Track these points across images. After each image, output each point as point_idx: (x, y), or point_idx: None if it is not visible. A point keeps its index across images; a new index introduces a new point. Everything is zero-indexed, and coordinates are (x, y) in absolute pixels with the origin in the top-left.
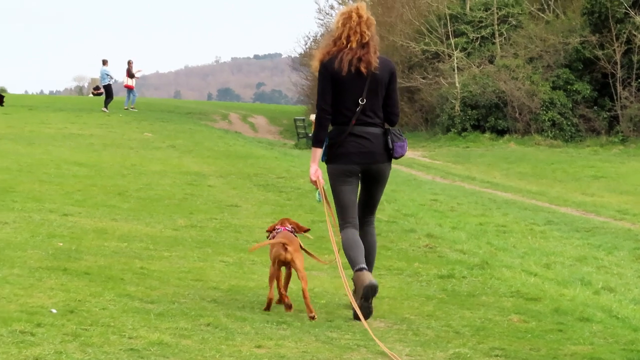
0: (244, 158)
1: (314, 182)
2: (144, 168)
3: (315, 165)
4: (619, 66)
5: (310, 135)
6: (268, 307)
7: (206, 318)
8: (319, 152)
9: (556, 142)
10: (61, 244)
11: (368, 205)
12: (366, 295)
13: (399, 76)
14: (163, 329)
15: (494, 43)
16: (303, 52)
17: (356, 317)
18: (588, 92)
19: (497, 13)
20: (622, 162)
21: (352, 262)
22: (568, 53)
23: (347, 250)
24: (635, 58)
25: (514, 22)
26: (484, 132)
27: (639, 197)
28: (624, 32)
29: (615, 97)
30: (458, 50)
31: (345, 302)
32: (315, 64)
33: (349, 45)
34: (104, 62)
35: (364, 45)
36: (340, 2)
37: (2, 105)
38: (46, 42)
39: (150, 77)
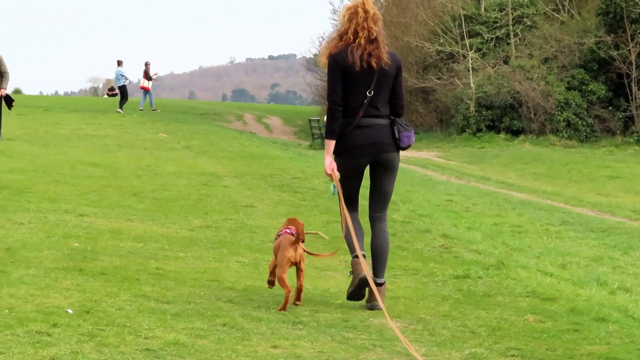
0: (259, 159)
1: (329, 175)
2: (159, 169)
3: (329, 158)
4: (634, 66)
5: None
6: (284, 307)
7: (222, 318)
8: (332, 144)
9: (571, 143)
10: (77, 245)
11: (379, 197)
12: (359, 286)
13: (413, 77)
14: (179, 329)
15: (508, 43)
16: (317, 53)
17: (350, 298)
18: (603, 92)
19: (512, 13)
20: (638, 163)
21: (351, 247)
22: (583, 53)
23: (347, 233)
24: None
25: (528, 23)
26: (498, 132)
27: None
28: (639, 33)
29: (630, 98)
30: (473, 50)
31: (361, 302)
32: (323, 59)
33: (357, 41)
34: (119, 63)
35: (372, 41)
36: None
37: (11, 109)
38: (61, 43)
39: (165, 78)
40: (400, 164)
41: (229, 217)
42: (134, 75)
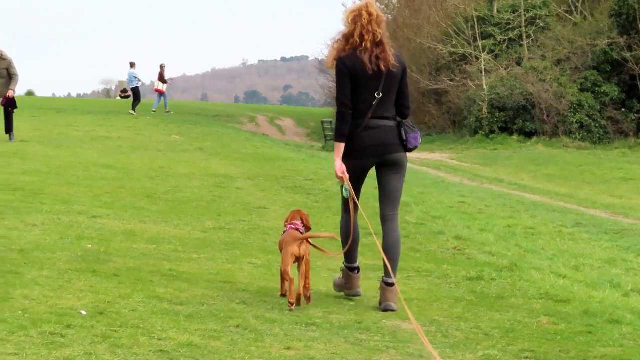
0: (272, 160)
1: (340, 178)
2: (172, 170)
3: (339, 160)
4: None
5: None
6: (298, 302)
7: (235, 320)
8: (342, 146)
9: (584, 144)
10: (90, 246)
11: (388, 198)
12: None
13: (426, 78)
14: (192, 331)
15: (521, 45)
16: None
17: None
18: (616, 94)
19: (525, 15)
20: None
21: (348, 258)
22: (596, 55)
23: (345, 237)
24: None
25: (541, 24)
26: (511, 134)
27: None
28: None
29: None
30: (485, 52)
31: (374, 304)
32: (331, 61)
33: (363, 45)
34: (132, 65)
35: (377, 44)
36: None
37: (14, 110)
38: (74, 45)
39: (178, 80)
40: (413, 166)
41: (242, 219)
42: (146, 77)
